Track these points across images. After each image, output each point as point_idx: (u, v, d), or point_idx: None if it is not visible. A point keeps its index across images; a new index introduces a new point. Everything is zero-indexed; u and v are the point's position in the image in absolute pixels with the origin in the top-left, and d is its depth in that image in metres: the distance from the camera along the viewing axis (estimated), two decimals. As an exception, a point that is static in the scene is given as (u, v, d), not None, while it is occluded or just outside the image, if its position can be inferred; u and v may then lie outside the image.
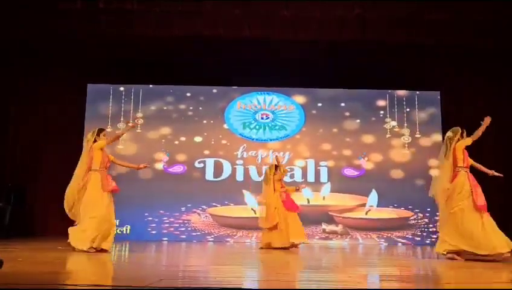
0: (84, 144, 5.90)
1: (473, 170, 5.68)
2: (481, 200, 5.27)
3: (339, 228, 9.40)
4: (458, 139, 5.59)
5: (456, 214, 5.28)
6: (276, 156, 7.85)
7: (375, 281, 3.79)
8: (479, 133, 5.60)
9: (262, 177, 9.38)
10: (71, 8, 8.41)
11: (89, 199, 5.59)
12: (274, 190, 7.22)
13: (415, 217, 9.34)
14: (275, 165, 7.45)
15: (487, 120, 5.59)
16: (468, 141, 5.57)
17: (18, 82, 9.69)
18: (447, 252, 5.31)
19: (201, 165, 9.60)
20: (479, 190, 5.35)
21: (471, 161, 5.64)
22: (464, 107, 10.02)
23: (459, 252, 5.27)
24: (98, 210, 5.54)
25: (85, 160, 5.77)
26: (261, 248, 7.06)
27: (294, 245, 7.04)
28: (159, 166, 9.54)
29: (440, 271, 4.37)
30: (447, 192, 5.36)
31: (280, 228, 6.97)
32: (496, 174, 5.73)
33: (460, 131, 5.66)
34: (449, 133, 5.71)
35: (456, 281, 3.65)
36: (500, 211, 9.40)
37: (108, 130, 9.55)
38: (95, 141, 5.79)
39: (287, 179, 9.10)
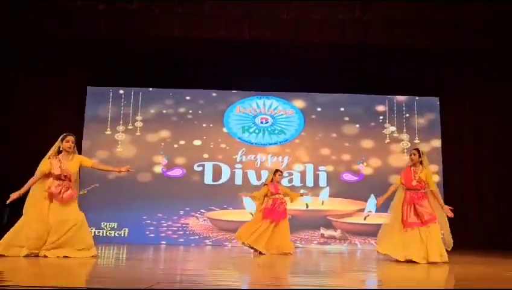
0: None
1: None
2: (405, 216, 5.90)
3: (337, 233, 9.38)
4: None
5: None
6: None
7: (372, 287, 3.78)
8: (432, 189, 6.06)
9: (261, 182, 9.45)
10: (71, 9, 8.42)
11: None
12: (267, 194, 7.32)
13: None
14: (275, 169, 7.51)
15: (447, 212, 5.90)
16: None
17: (18, 83, 9.68)
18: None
19: (200, 168, 9.59)
20: (411, 207, 5.93)
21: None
22: (462, 113, 10.04)
23: None
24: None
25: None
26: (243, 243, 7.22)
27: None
28: (158, 169, 9.53)
29: (438, 275, 4.37)
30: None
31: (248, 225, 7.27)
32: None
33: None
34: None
35: (454, 285, 3.65)
36: (501, 213, 9.46)
37: (108, 132, 9.56)
38: (61, 150, 5.52)
39: (285, 183, 9.10)
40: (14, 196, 5.40)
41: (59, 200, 5.37)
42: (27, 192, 5.47)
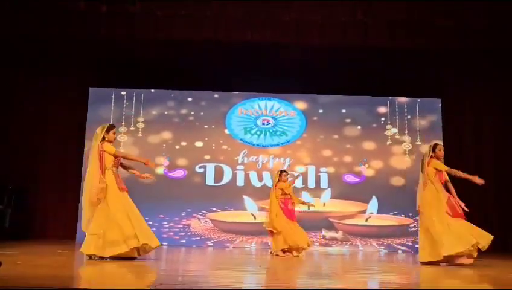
0: (93, 139, 5.55)
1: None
2: (450, 208, 5.64)
3: (339, 235, 9.38)
4: (431, 156, 5.92)
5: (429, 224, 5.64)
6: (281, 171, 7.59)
7: (374, 288, 3.78)
8: (457, 174, 5.89)
9: (263, 183, 9.47)
10: (73, 9, 8.43)
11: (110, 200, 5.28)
12: (276, 196, 7.17)
13: (415, 224, 9.31)
14: (281, 171, 7.41)
15: (476, 180, 5.82)
16: (443, 167, 5.88)
17: (19, 85, 9.70)
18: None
19: (202, 170, 9.60)
20: (451, 199, 5.71)
21: (452, 171, 5.91)
22: (463, 114, 10.04)
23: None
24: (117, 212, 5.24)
25: (96, 158, 5.40)
26: (273, 254, 6.99)
27: (298, 248, 6.95)
28: (160, 170, 9.54)
29: (439, 276, 4.37)
30: (420, 203, 5.79)
31: (280, 233, 6.93)
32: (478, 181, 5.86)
33: (431, 147, 6.01)
34: (425, 150, 6.15)
35: (456, 287, 3.65)
36: (502, 214, 9.45)
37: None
38: (103, 138, 5.47)
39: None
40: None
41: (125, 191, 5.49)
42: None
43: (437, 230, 5.52)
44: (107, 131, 5.51)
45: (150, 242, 5.19)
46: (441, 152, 5.98)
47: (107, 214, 5.17)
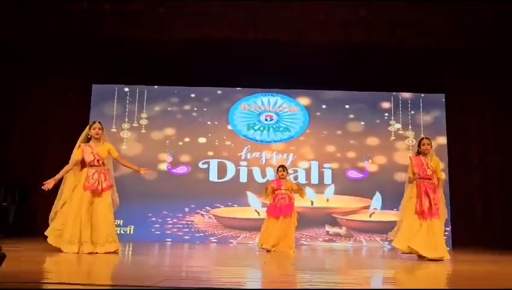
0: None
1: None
2: (422, 207, 5.81)
3: (342, 230, 9.37)
4: (417, 151, 6.13)
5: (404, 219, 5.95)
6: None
7: (377, 284, 3.78)
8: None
9: (266, 179, 9.46)
10: (76, 9, 8.43)
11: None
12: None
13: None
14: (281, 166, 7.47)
15: None
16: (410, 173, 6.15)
17: (22, 82, 9.70)
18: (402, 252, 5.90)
19: (205, 166, 9.59)
20: (426, 198, 5.83)
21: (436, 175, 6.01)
22: (468, 110, 10.00)
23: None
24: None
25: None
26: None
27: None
28: (163, 167, 9.54)
29: (442, 274, 4.36)
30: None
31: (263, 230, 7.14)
32: None
33: (418, 142, 6.22)
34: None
35: (458, 283, 3.64)
36: (506, 211, 9.43)
37: (113, 130, 9.56)
38: (89, 137, 5.73)
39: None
40: (50, 183, 5.51)
41: (98, 192, 5.57)
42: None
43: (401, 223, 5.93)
44: (89, 128, 5.76)
45: (97, 249, 5.48)
46: (424, 146, 6.00)
47: (67, 212, 5.51)
